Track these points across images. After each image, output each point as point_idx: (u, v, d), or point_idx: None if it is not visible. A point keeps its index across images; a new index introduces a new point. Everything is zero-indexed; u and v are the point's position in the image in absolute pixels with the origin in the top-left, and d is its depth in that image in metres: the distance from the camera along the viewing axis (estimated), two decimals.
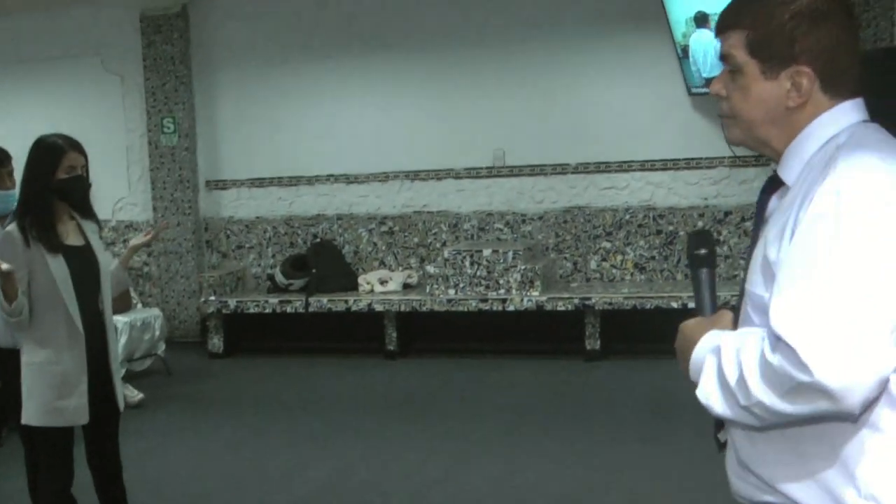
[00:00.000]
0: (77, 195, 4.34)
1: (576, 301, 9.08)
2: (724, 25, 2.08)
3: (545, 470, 6.27)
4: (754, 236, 2.12)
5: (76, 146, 4.32)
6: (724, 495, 5.59)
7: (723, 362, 1.89)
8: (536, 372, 8.89)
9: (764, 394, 1.80)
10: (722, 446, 2.19)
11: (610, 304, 9.03)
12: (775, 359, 1.77)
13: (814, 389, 1.73)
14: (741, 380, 1.84)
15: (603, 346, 9.16)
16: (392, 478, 6.28)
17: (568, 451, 6.62)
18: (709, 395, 1.92)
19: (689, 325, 2.10)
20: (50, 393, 4.20)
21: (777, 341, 1.77)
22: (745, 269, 2.10)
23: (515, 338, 9.58)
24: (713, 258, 2.22)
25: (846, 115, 2.00)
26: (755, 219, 2.15)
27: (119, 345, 7.13)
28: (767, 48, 1.99)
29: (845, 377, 1.71)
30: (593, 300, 9.05)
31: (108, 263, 4.49)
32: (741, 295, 2.09)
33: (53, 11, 11.01)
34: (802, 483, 1.96)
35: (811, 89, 1.98)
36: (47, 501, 4.38)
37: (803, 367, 1.72)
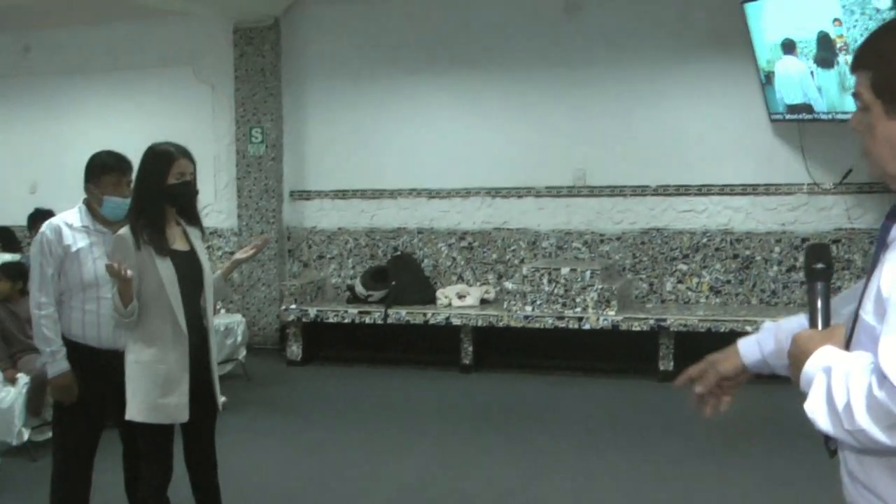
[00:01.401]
0: (185, 200, 4.55)
1: (651, 322, 9.16)
2: (855, 65, 2.15)
3: (618, 486, 6.36)
4: (874, 261, 2.18)
5: (186, 153, 4.53)
6: None
7: (832, 385, 1.97)
8: (610, 391, 8.97)
9: (868, 424, 1.90)
10: (833, 453, 2.24)
11: (685, 325, 9.10)
12: (881, 394, 1.86)
13: None
14: (848, 406, 1.92)
15: (676, 367, 9.20)
16: (469, 486, 6.40)
17: (641, 468, 6.71)
18: (815, 411, 2.00)
19: (803, 336, 2.16)
20: (154, 390, 4.39)
21: (884, 378, 1.86)
22: (862, 293, 2.16)
23: (590, 356, 9.66)
24: (830, 272, 2.27)
25: None
26: (876, 243, 2.20)
27: None
28: (890, 89, 2.05)
29: None
30: (668, 321, 9.13)
31: (210, 268, 4.69)
32: (854, 317, 2.17)
33: (148, 21, 11.35)
34: None
35: None
36: (146, 496, 4.56)
37: None
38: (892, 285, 2.00)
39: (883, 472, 2.08)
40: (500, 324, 9.60)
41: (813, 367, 2.06)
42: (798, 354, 2.14)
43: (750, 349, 2.64)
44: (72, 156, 11.04)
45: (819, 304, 2.25)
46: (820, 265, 2.27)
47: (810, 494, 5.88)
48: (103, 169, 4.91)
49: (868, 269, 2.21)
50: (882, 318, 1.99)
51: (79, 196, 4.99)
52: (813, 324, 2.23)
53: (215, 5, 10.50)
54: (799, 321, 2.53)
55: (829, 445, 2.19)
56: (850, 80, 2.21)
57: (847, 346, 2.14)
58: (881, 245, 2.18)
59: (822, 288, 2.26)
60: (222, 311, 9.66)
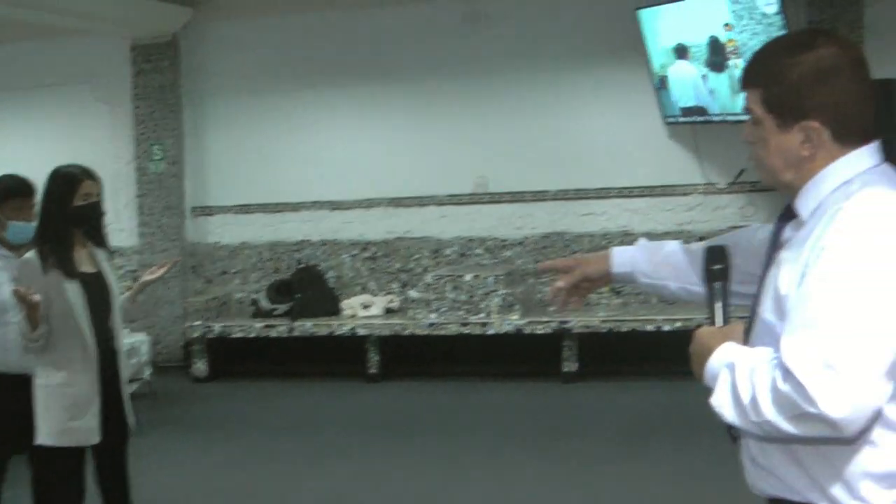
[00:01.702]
0: (92, 222, 4.57)
1: (554, 325, 9.31)
2: (745, 82, 2.30)
3: (528, 489, 6.47)
4: (768, 260, 2.33)
5: (91, 175, 4.54)
6: None
7: (737, 380, 2.10)
8: (516, 394, 9.10)
9: (773, 416, 2.03)
10: (735, 439, 2.38)
11: (587, 327, 9.27)
12: (786, 388, 2.00)
13: (819, 419, 1.98)
14: (754, 400, 2.06)
15: (580, 368, 9.38)
16: (382, 497, 6.47)
17: (550, 470, 6.83)
18: (722, 405, 2.13)
19: (704, 332, 2.29)
20: (64, 414, 4.39)
21: (787, 373, 2.00)
22: (758, 290, 2.32)
23: (496, 360, 9.78)
24: (727, 273, 2.39)
25: (858, 161, 2.20)
26: (770, 243, 2.36)
27: None
28: (780, 105, 2.20)
29: (847, 411, 1.96)
30: (571, 324, 9.29)
31: (118, 289, 4.71)
32: (752, 314, 2.32)
33: (44, 40, 11.15)
34: (803, 482, 2.20)
35: (822, 140, 2.19)
36: None
37: (811, 400, 1.96)
38: (789, 285, 2.14)
39: (783, 457, 2.22)
40: (406, 332, 9.68)
41: (717, 362, 2.19)
42: (700, 351, 2.26)
43: (623, 260, 2.82)
44: None
45: (718, 303, 2.37)
46: (718, 266, 2.40)
47: (715, 484, 6.04)
48: (6, 194, 4.89)
49: (762, 268, 2.34)
50: (782, 316, 2.14)
51: None
52: (712, 322, 2.35)
53: (112, 23, 10.42)
54: (673, 248, 2.77)
55: (731, 433, 2.33)
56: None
57: (745, 340, 2.28)
58: (775, 245, 2.33)
59: (721, 287, 2.38)
60: (126, 330, 9.57)
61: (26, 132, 11.36)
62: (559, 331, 9.32)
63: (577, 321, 9.27)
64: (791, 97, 2.18)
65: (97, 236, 4.66)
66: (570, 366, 9.40)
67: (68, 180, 4.47)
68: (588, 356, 9.45)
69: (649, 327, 9.06)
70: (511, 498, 6.33)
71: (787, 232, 2.30)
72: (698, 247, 2.74)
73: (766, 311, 2.23)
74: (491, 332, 9.43)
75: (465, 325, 9.48)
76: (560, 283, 2.84)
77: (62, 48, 11.22)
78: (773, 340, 2.14)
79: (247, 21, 10.73)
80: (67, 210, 4.43)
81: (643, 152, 9.85)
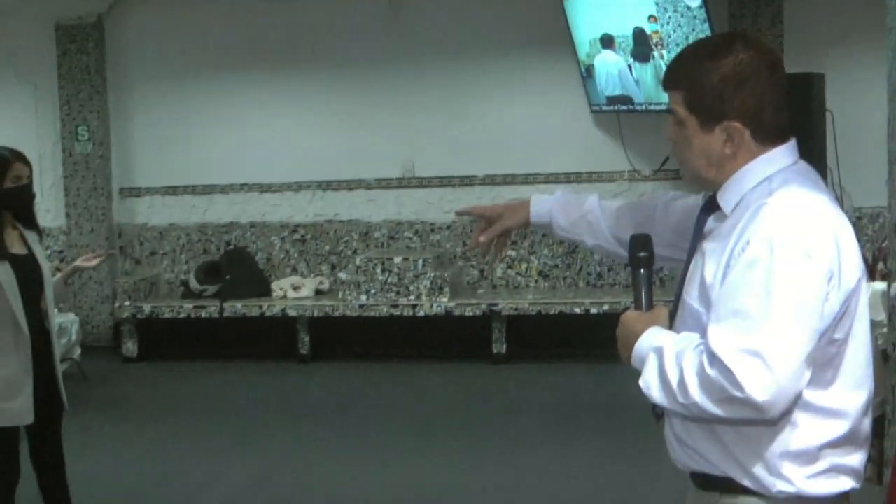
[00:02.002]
0: (23, 205, 4.59)
1: (483, 307, 9.43)
2: (668, 84, 2.42)
3: (456, 471, 6.56)
4: (691, 249, 2.46)
5: (21, 157, 4.57)
6: (623, 493, 6.03)
7: (665, 363, 2.23)
8: (446, 375, 9.19)
9: (701, 398, 2.16)
10: (659, 417, 2.49)
11: (516, 309, 9.40)
12: (713, 372, 2.13)
13: (744, 403, 2.11)
14: (682, 382, 2.19)
15: (509, 350, 9.51)
16: (311, 478, 6.54)
17: (479, 451, 6.92)
18: (650, 385, 2.26)
19: (630, 317, 2.42)
20: None
21: (713, 358, 2.13)
22: (681, 278, 2.45)
23: (425, 342, 9.87)
24: (651, 260, 2.51)
25: (778, 159, 2.34)
26: (693, 234, 2.48)
27: None
28: (702, 106, 2.33)
29: (771, 395, 2.09)
30: (500, 306, 9.41)
31: (49, 270, 4.73)
32: (676, 300, 2.45)
33: None
34: (724, 460, 2.33)
35: (742, 140, 2.32)
36: None
37: (738, 385, 2.09)
38: (714, 275, 2.28)
39: (705, 435, 2.35)
40: (336, 313, 9.73)
41: (644, 346, 2.32)
42: (626, 334, 2.39)
43: (541, 212, 2.96)
44: None
45: (643, 289, 2.49)
46: (642, 254, 2.52)
47: (640, 463, 6.20)
48: None
49: (687, 256, 2.48)
50: (707, 303, 2.28)
51: None
52: (638, 306, 2.47)
53: (36, 3, 10.30)
54: (590, 206, 2.90)
55: (655, 411, 2.46)
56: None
57: (670, 324, 2.41)
58: (697, 234, 2.46)
59: (646, 274, 2.50)
60: (55, 310, 9.52)
61: None
62: (488, 313, 9.42)
63: (506, 304, 9.40)
64: (713, 99, 2.31)
65: (27, 218, 4.68)
66: (499, 347, 9.52)
67: None
68: (517, 338, 9.58)
69: (577, 310, 9.20)
70: (439, 478, 6.41)
71: (710, 223, 2.42)
72: (615, 206, 2.89)
73: (692, 298, 2.35)
74: (421, 313, 9.52)
75: (395, 306, 9.55)
76: (482, 238, 2.99)
77: None
78: (698, 326, 2.29)
79: (172, 4, 10.65)
80: None
81: (570, 139, 9.97)
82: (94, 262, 4.98)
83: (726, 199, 2.36)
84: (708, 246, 2.36)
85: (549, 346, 9.45)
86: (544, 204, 2.95)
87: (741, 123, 2.31)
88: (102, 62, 10.79)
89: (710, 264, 2.31)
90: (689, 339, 2.27)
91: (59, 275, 4.96)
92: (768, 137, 2.34)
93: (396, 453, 6.98)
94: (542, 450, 6.89)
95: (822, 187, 2.38)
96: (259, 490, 6.36)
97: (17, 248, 4.58)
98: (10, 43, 11.01)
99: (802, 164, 2.39)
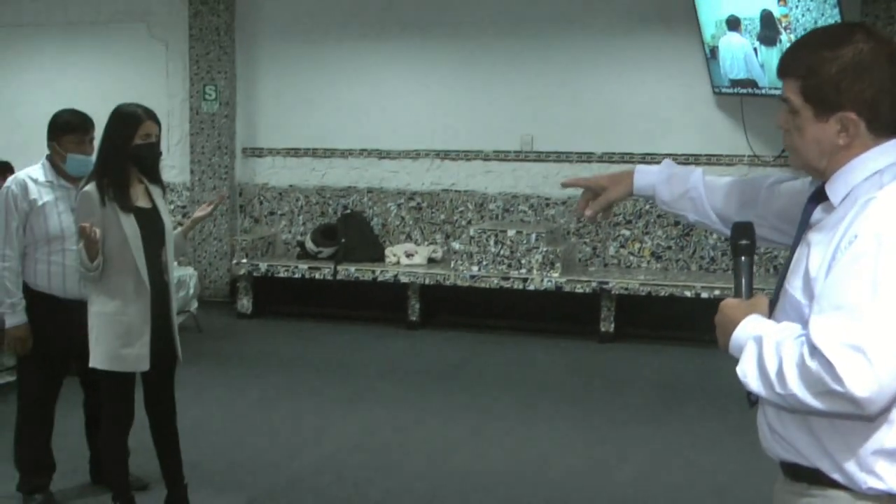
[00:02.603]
0: (150, 161, 4.75)
1: (593, 284, 9.44)
2: (783, 72, 2.40)
3: (557, 444, 6.62)
4: (797, 239, 2.44)
5: (152, 116, 4.72)
6: (723, 475, 6.00)
7: (764, 352, 2.23)
8: (552, 350, 9.24)
9: (799, 390, 2.16)
10: (753, 403, 2.49)
11: (626, 289, 9.39)
12: (813, 364, 2.12)
13: (844, 397, 2.10)
14: (780, 373, 2.19)
15: (617, 329, 9.52)
16: (413, 440, 6.65)
17: (579, 427, 6.97)
18: (747, 374, 2.27)
19: (730, 304, 2.42)
20: (116, 341, 4.59)
21: (814, 350, 2.13)
22: (785, 267, 2.45)
23: (534, 316, 9.94)
24: (753, 248, 2.52)
25: (891, 152, 2.31)
26: (800, 224, 2.46)
27: None
28: (818, 96, 2.30)
29: (872, 391, 2.08)
30: (610, 285, 9.41)
31: (171, 225, 4.89)
32: (778, 289, 2.44)
33: None
34: (816, 453, 2.33)
35: (857, 131, 2.30)
36: (107, 441, 4.78)
37: (838, 379, 2.09)
38: (819, 268, 2.26)
39: (799, 426, 2.35)
40: (447, 282, 9.83)
41: (743, 333, 2.32)
42: (725, 322, 2.39)
43: (644, 185, 2.97)
44: (26, 109, 11.17)
45: (743, 277, 2.49)
46: (744, 241, 2.53)
47: (739, 449, 6.19)
48: (66, 128, 5.09)
49: (792, 246, 2.47)
50: (810, 295, 2.27)
51: (32, 148, 5.18)
52: (738, 294, 2.48)
53: None
54: (694, 182, 2.89)
55: (750, 398, 2.44)
56: None
57: (770, 314, 2.41)
58: (804, 225, 2.44)
59: (746, 262, 2.51)
60: (175, 263, 9.77)
61: (83, 67, 11.62)
62: (598, 291, 9.44)
63: (617, 282, 9.39)
64: (829, 89, 2.29)
65: (153, 174, 4.84)
66: (607, 326, 9.53)
67: (130, 120, 4.64)
68: (625, 317, 9.58)
69: (687, 293, 9.16)
70: (540, 452, 6.46)
71: (818, 214, 2.41)
72: (720, 182, 2.88)
73: (795, 288, 2.34)
74: (531, 287, 9.56)
75: (505, 279, 9.61)
76: (588, 212, 3.00)
77: None
78: (799, 317, 2.29)
79: None
80: (128, 148, 4.61)
81: (690, 120, 9.90)
82: (209, 210, 5.14)
83: (835, 190, 2.34)
84: (814, 237, 2.35)
85: (657, 328, 9.43)
86: (648, 176, 2.95)
87: (857, 114, 2.28)
88: (232, 24, 11.03)
89: (815, 256, 2.29)
90: (790, 329, 2.26)
91: (179, 228, 5.13)
92: (883, 130, 2.32)
93: (498, 423, 7.05)
94: (642, 429, 6.91)
95: None
96: (362, 449, 6.48)
97: (141, 202, 4.74)
98: (145, 2, 11.36)
99: None
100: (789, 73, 2.38)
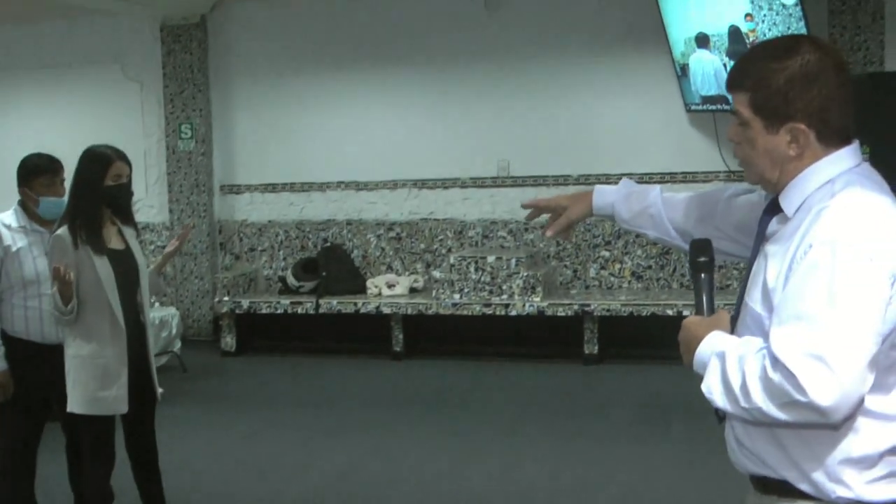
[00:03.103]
0: (122, 202, 4.75)
1: (575, 307, 9.44)
2: (732, 85, 2.42)
3: (544, 467, 6.61)
4: (754, 251, 2.46)
5: (122, 156, 4.71)
6: (709, 493, 5.99)
7: (727, 368, 2.24)
8: (537, 375, 9.23)
9: (763, 402, 2.16)
10: (721, 419, 2.51)
11: (608, 310, 9.39)
12: (776, 376, 2.12)
13: (808, 407, 2.10)
14: (744, 386, 2.19)
15: (601, 350, 9.52)
16: (400, 471, 6.62)
17: (566, 450, 6.97)
18: (712, 390, 2.27)
19: (692, 321, 2.43)
20: (93, 384, 4.57)
21: (776, 362, 2.13)
22: (744, 280, 2.46)
23: (517, 341, 9.92)
24: (712, 265, 2.54)
25: (841, 161, 2.33)
26: (756, 236, 2.48)
27: None
28: (767, 108, 2.32)
29: (835, 399, 2.08)
30: (592, 306, 9.42)
31: (145, 265, 4.89)
32: (739, 303, 2.45)
33: (75, 19, 11.38)
34: (784, 464, 2.34)
35: (807, 141, 2.32)
36: (90, 485, 4.76)
37: (801, 389, 2.09)
38: (776, 279, 2.28)
39: (767, 439, 2.35)
40: (430, 311, 9.84)
41: (706, 350, 2.32)
42: (689, 339, 2.40)
43: (603, 204, 3.00)
44: (1, 154, 11.13)
45: (704, 293, 2.50)
46: (702, 258, 2.54)
47: (726, 467, 6.18)
48: (36, 171, 5.06)
49: (750, 258, 2.48)
50: (769, 307, 2.28)
51: (6, 193, 5.16)
52: (699, 311, 2.49)
53: (142, 3, 10.57)
54: (652, 199, 2.92)
55: (718, 414, 2.46)
56: None
57: (732, 328, 2.42)
58: (760, 237, 2.46)
59: (706, 279, 2.52)
60: (156, 304, 9.77)
61: (58, 110, 11.60)
62: (580, 313, 9.44)
63: (599, 304, 9.40)
64: (778, 101, 2.31)
65: (125, 215, 4.83)
66: (590, 348, 9.53)
67: (100, 160, 4.64)
68: (608, 339, 9.58)
69: (670, 312, 9.16)
70: (527, 476, 6.46)
71: (773, 225, 2.42)
72: (678, 198, 2.91)
73: (755, 301, 2.36)
74: (513, 313, 9.56)
75: (487, 305, 9.62)
76: (549, 232, 3.05)
77: (93, 28, 11.45)
78: (760, 330, 2.30)
79: (273, 3, 10.87)
80: (98, 189, 4.61)
81: (665, 139, 9.94)
82: (177, 244, 5.14)
83: (789, 200, 2.36)
84: (770, 248, 2.37)
85: (642, 348, 9.43)
86: (607, 195, 2.98)
87: (806, 125, 2.30)
88: (205, 61, 11.08)
89: (772, 267, 2.31)
90: (751, 343, 2.27)
91: (152, 266, 5.12)
92: (832, 139, 2.34)
93: (486, 450, 7.04)
94: (629, 449, 6.90)
95: (886, 189, 2.36)
96: (349, 481, 6.47)
97: (114, 244, 4.73)
98: (119, 43, 11.40)
99: (866, 165, 2.38)
100: (738, 87, 2.40)
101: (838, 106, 2.32)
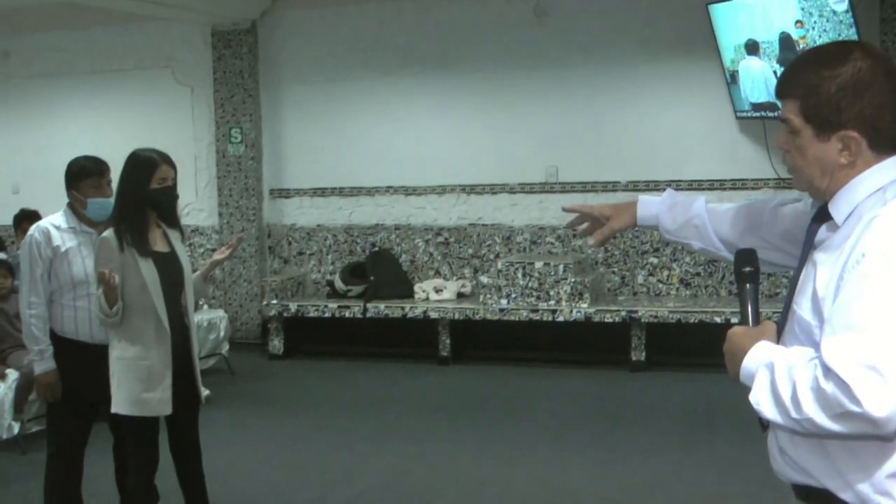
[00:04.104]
0: (167, 205, 4.79)
1: (623, 314, 9.41)
2: (782, 93, 2.39)
3: (590, 474, 6.60)
4: (802, 259, 2.43)
5: (168, 160, 4.76)
6: (755, 502, 5.91)
7: (776, 378, 2.21)
8: (583, 381, 9.20)
9: (815, 413, 2.13)
10: (765, 427, 2.47)
11: (655, 317, 9.36)
12: (829, 387, 2.09)
13: (861, 418, 2.07)
14: (794, 397, 2.16)
15: (648, 357, 9.48)
16: (445, 477, 6.63)
17: (611, 456, 6.95)
18: (760, 402, 2.24)
19: (737, 332, 2.41)
20: (138, 385, 4.62)
21: (829, 371, 2.10)
22: (791, 288, 2.42)
23: (564, 348, 9.91)
24: (757, 275, 2.51)
25: (893, 168, 2.30)
26: (804, 244, 2.45)
27: None
28: (818, 116, 2.30)
29: (889, 410, 2.05)
30: (639, 313, 9.38)
31: (190, 268, 4.93)
32: (785, 311, 2.42)
33: (127, 26, 11.54)
34: (828, 474, 2.31)
35: (859, 149, 2.29)
36: (134, 485, 4.80)
37: (855, 399, 2.06)
38: (826, 287, 2.24)
39: (812, 449, 2.32)
40: (477, 317, 9.84)
41: (753, 361, 2.30)
42: (734, 351, 2.38)
43: (647, 215, 2.99)
44: (54, 157, 11.17)
45: (749, 304, 2.48)
46: (748, 269, 2.52)
47: (769, 476, 6.13)
48: (82, 174, 5.13)
49: (797, 266, 2.45)
50: (819, 315, 2.25)
51: (60, 196, 5.21)
52: (744, 321, 2.46)
53: (194, 10, 10.66)
54: (697, 210, 2.91)
55: (762, 422, 2.42)
56: None
57: (778, 337, 2.40)
58: (808, 245, 2.43)
59: (751, 289, 2.50)
60: (205, 307, 9.85)
61: (110, 114, 11.77)
62: (628, 320, 9.41)
63: (646, 311, 9.36)
64: (829, 108, 2.28)
65: (170, 218, 4.87)
66: (637, 355, 9.50)
67: (146, 164, 4.69)
68: (655, 346, 9.53)
69: (717, 319, 9.11)
70: (571, 482, 6.45)
71: (822, 233, 2.39)
72: (723, 209, 2.89)
73: (804, 309, 2.32)
74: (560, 319, 9.54)
75: (535, 311, 9.60)
76: (591, 242, 3.07)
77: (146, 34, 11.62)
78: (809, 338, 2.28)
79: (323, 9, 10.94)
80: (144, 193, 4.65)
81: (714, 146, 9.88)
82: (227, 252, 5.15)
83: (838, 209, 2.33)
84: (819, 257, 2.33)
85: (688, 355, 9.37)
86: (651, 206, 2.96)
87: (858, 133, 2.27)
88: (255, 67, 11.15)
89: (822, 276, 2.28)
90: (801, 353, 2.24)
91: (198, 271, 5.16)
92: (884, 146, 2.31)
93: (530, 455, 7.02)
94: (675, 458, 6.86)
95: None
96: (394, 487, 6.48)
97: (160, 246, 4.78)
98: (171, 49, 11.53)
99: None
100: (788, 94, 2.37)
101: (890, 113, 2.29)
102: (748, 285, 2.50)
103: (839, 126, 2.28)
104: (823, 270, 2.28)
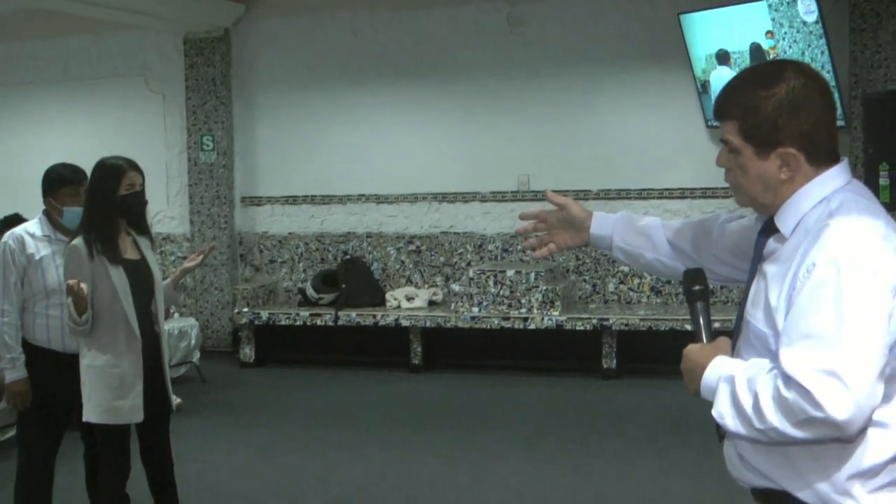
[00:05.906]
0: (136, 211, 4.77)
1: (594, 321, 9.44)
2: (720, 114, 2.46)
3: (561, 482, 6.60)
4: (752, 271, 2.50)
5: (135, 166, 4.74)
6: None
7: (737, 391, 2.27)
8: (555, 389, 9.22)
9: (778, 422, 2.19)
10: (721, 438, 2.55)
11: (626, 324, 9.39)
12: (790, 395, 2.15)
13: (824, 422, 2.14)
14: (757, 408, 2.22)
15: (619, 365, 9.51)
16: (417, 485, 6.63)
17: (583, 464, 6.96)
18: (723, 414, 2.30)
19: (693, 350, 2.48)
20: (109, 393, 4.59)
21: (789, 380, 2.16)
22: (744, 299, 2.49)
23: (535, 355, 9.93)
24: (707, 293, 2.57)
25: (832, 180, 2.38)
26: (754, 256, 2.52)
27: None
28: (758, 135, 2.37)
29: (851, 413, 2.12)
30: (611, 321, 9.41)
31: (160, 276, 4.92)
32: (738, 321, 2.49)
33: (100, 33, 11.53)
34: (789, 476, 2.36)
35: (798, 164, 2.36)
36: (105, 493, 4.78)
37: (817, 405, 2.12)
38: (778, 297, 2.32)
39: (775, 455, 2.37)
40: (448, 325, 9.85)
41: (712, 376, 2.36)
42: (692, 368, 2.44)
43: (602, 224, 2.99)
44: (27, 165, 11.20)
45: (702, 321, 2.55)
46: (697, 287, 2.59)
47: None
48: (60, 182, 5.12)
49: (748, 278, 2.52)
50: (773, 324, 2.32)
51: (33, 204, 5.20)
52: (698, 339, 2.53)
53: (167, 18, 10.66)
54: (651, 222, 2.96)
55: (718, 432, 2.50)
56: None
57: (733, 347, 2.47)
58: (757, 257, 2.50)
59: (703, 307, 2.57)
60: (176, 314, 9.82)
61: (83, 122, 11.75)
62: (599, 328, 9.44)
63: (617, 319, 9.40)
64: (768, 128, 2.36)
65: (140, 225, 4.86)
66: (609, 362, 9.53)
67: (113, 171, 4.67)
68: (627, 353, 9.57)
69: (688, 326, 9.09)
70: (544, 490, 6.45)
71: (770, 245, 2.46)
72: (676, 224, 2.94)
73: (757, 320, 2.39)
74: (532, 326, 9.56)
75: (506, 319, 9.62)
76: (536, 254, 3.06)
77: (118, 41, 11.62)
78: (765, 347, 2.35)
79: (296, 18, 10.97)
80: (113, 199, 4.64)
81: (685, 155, 9.92)
82: (199, 260, 5.14)
83: (785, 221, 2.40)
84: (769, 268, 2.40)
85: (660, 363, 9.39)
86: (606, 218, 3.00)
87: (796, 149, 2.35)
88: (228, 74, 11.16)
89: (773, 287, 2.34)
90: (759, 364, 2.31)
91: (169, 279, 5.15)
92: (822, 160, 2.39)
93: (503, 463, 7.03)
94: (647, 465, 6.88)
95: (878, 205, 2.41)
96: (367, 494, 6.48)
97: (130, 254, 4.76)
98: (143, 56, 11.52)
99: (856, 182, 2.44)
100: (727, 116, 2.43)
101: (825, 128, 2.38)
102: (699, 303, 2.56)
103: (778, 144, 2.36)
104: (775, 281, 2.35)
